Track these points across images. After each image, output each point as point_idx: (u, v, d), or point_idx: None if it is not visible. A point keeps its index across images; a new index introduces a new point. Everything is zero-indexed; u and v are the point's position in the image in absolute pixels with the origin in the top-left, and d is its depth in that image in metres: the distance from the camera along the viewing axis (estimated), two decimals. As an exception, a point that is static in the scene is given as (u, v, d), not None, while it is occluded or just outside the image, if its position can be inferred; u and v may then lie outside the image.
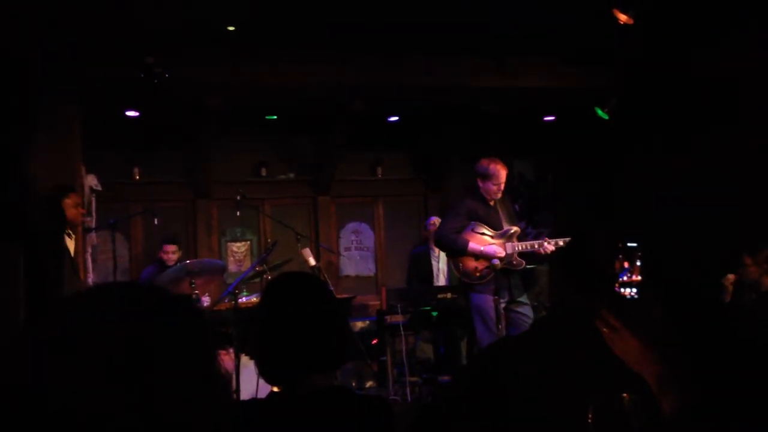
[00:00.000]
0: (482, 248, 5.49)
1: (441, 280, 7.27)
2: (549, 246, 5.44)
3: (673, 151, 7.17)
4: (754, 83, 6.34)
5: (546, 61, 7.18)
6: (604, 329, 1.49)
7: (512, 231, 5.60)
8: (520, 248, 5.54)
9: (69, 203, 5.30)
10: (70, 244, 5.30)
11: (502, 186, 5.59)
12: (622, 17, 5.23)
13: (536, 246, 5.51)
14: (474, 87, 7.29)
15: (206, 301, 6.29)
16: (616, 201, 7.73)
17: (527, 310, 5.60)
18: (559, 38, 6.61)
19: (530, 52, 6.98)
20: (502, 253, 5.49)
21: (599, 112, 6.94)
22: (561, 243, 5.37)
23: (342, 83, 6.98)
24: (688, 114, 6.97)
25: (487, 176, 5.54)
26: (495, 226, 5.61)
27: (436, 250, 7.16)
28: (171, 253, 6.86)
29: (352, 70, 6.86)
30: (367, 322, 7.09)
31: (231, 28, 5.98)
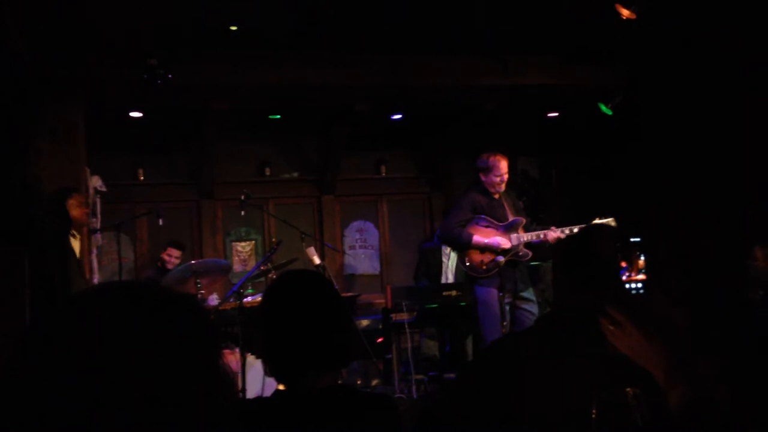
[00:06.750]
0: (486, 240, 5.49)
1: (449, 277, 7.25)
2: (554, 233, 5.43)
3: (678, 147, 7.14)
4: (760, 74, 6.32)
5: (549, 59, 7.17)
6: (610, 326, 1.49)
7: (518, 222, 5.60)
8: (525, 239, 5.54)
9: (73, 203, 5.32)
10: (76, 244, 5.32)
11: (505, 177, 5.60)
12: (625, 12, 5.22)
13: (541, 235, 5.50)
14: (477, 86, 7.28)
15: (213, 300, 6.31)
16: (619, 197, 7.71)
17: (533, 308, 5.58)
18: (561, 36, 6.60)
19: (533, 50, 6.97)
20: (507, 245, 5.48)
21: (603, 108, 6.93)
22: (567, 231, 5.36)
23: (345, 83, 6.97)
24: (692, 109, 6.94)
25: (488, 169, 5.56)
26: (500, 218, 5.61)
27: (448, 247, 7.14)
28: (174, 257, 6.89)
29: (355, 69, 6.86)
30: (373, 320, 7.08)
31: (233, 28, 5.98)
